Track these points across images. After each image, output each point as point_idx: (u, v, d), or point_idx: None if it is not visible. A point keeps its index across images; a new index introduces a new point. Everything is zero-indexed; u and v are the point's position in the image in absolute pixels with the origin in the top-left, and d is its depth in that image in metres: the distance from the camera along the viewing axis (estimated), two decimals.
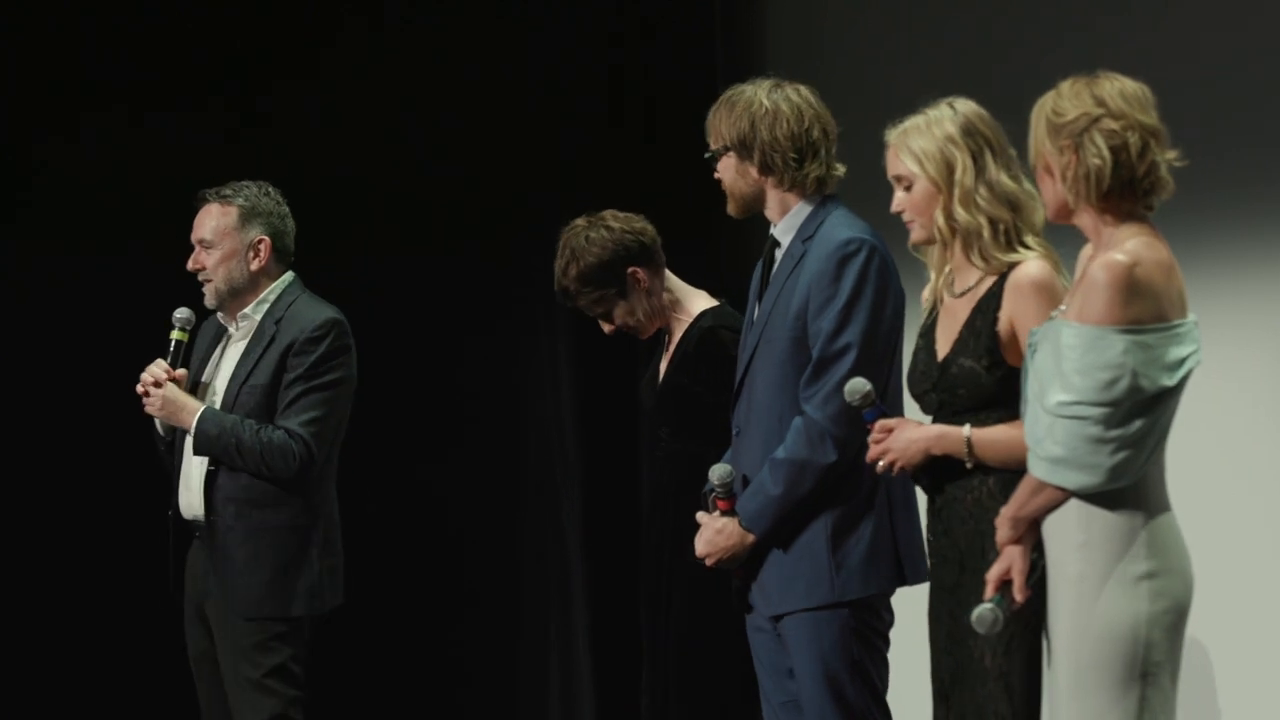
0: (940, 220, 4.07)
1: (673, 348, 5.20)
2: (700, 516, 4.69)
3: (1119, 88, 3.73)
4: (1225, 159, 5.41)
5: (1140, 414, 3.66)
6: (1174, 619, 3.71)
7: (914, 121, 4.11)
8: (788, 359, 4.59)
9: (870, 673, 4.56)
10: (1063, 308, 3.80)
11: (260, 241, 5.34)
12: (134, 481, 5.92)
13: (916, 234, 4.13)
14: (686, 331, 5.18)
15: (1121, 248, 3.67)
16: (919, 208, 4.10)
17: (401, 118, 7.14)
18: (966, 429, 3.99)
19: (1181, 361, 3.68)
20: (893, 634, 4.63)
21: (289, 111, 7.04)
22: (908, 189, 4.11)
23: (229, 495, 5.25)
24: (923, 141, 4.07)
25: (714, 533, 4.65)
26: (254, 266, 5.34)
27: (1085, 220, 3.76)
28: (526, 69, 7.12)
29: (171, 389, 5.23)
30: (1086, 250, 3.83)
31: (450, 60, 7.15)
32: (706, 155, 4.75)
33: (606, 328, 5.27)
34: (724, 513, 4.63)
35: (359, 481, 6.79)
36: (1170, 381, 3.67)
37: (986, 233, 4.01)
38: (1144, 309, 3.65)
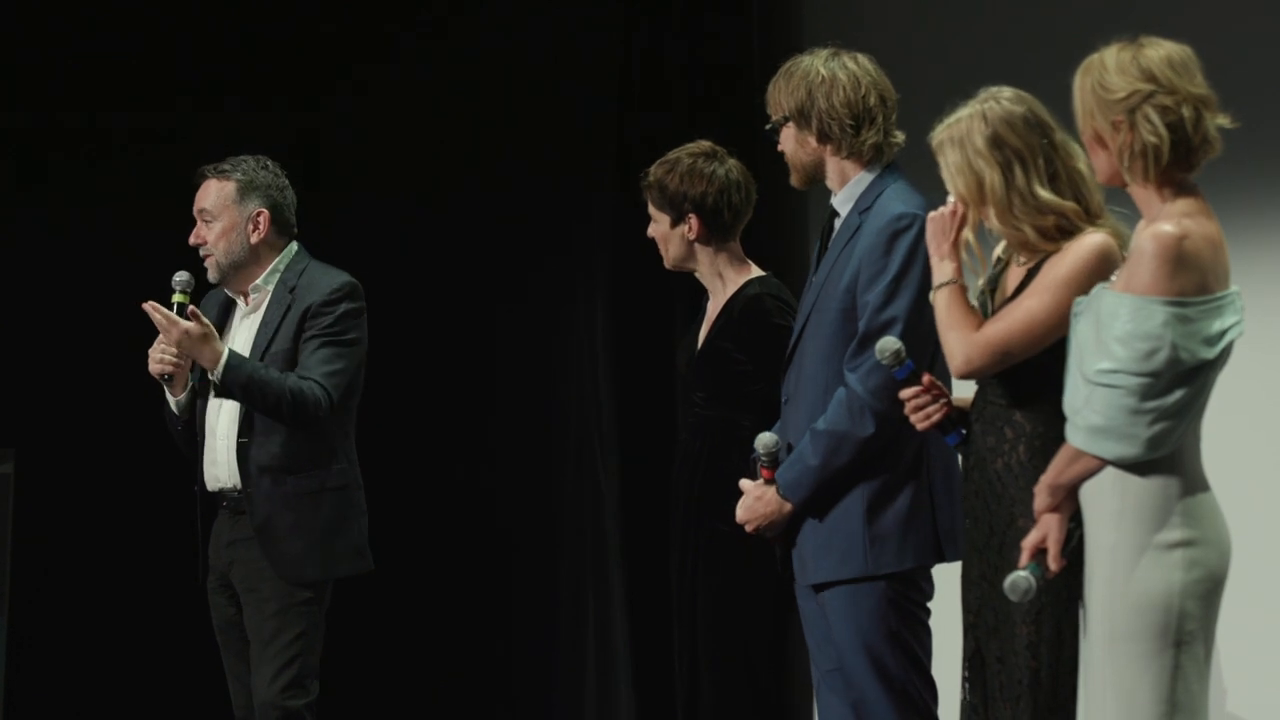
0: (974, 234, 4.06)
1: (715, 313, 5.21)
2: (743, 483, 4.72)
3: (1165, 56, 3.71)
4: (1265, 127, 5.39)
5: (1179, 386, 3.66)
6: (1208, 588, 3.71)
7: (947, 130, 4.06)
8: (836, 330, 4.62)
9: (910, 643, 4.58)
10: (1113, 279, 3.80)
11: (259, 214, 5.37)
12: (152, 459, 5.95)
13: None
14: (731, 298, 5.18)
15: (1170, 220, 3.67)
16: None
17: (435, 86, 7.18)
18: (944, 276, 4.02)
19: (1222, 334, 3.68)
20: (934, 606, 4.64)
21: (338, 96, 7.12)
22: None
23: (263, 465, 5.28)
24: (954, 156, 4.04)
25: (754, 499, 4.68)
26: (254, 239, 5.37)
27: (1138, 192, 3.76)
28: (559, 39, 7.14)
29: (194, 326, 5.18)
30: (1141, 225, 3.82)
31: (482, 33, 7.18)
32: (767, 126, 4.77)
33: (650, 229, 5.27)
34: (767, 481, 4.67)
35: (398, 450, 6.86)
36: (1209, 354, 3.67)
37: (1032, 236, 3.99)
38: (1188, 281, 3.65)
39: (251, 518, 5.28)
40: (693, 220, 5.19)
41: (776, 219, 6.26)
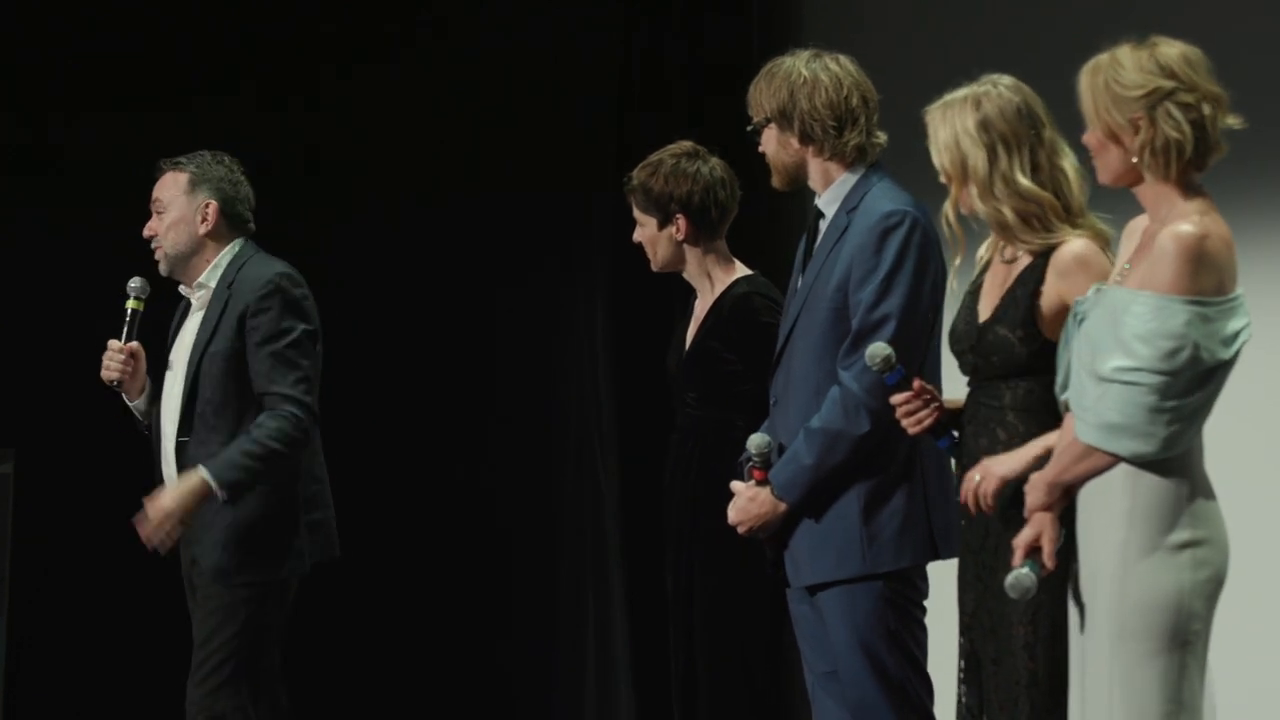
0: (953, 210, 4.08)
1: (703, 313, 5.21)
2: (734, 485, 4.71)
3: (1181, 54, 3.72)
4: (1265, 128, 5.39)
5: (1198, 386, 3.66)
6: (1214, 588, 3.72)
7: (942, 104, 4.09)
8: (827, 330, 4.60)
9: (908, 642, 4.57)
10: (1116, 277, 3.80)
11: (207, 205, 5.35)
12: (151, 459, 5.94)
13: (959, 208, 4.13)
14: (720, 297, 5.18)
15: (1189, 219, 3.67)
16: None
17: (435, 86, 7.19)
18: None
19: (1236, 335, 3.69)
20: (928, 605, 4.64)
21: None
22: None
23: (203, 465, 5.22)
24: (942, 132, 4.07)
25: (747, 500, 4.66)
26: (201, 230, 5.35)
27: (1151, 191, 3.76)
28: (559, 39, 7.15)
29: (162, 500, 5.12)
30: (1136, 222, 3.83)
31: (482, 33, 7.19)
32: (748, 128, 4.76)
33: (636, 233, 5.28)
34: (759, 482, 4.65)
35: (398, 450, 6.86)
36: (1226, 355, 3.68)
37: (1013, 220, 4.00)
38: (1208, 281, 3.65)
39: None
40: (680, 221, 5.19)
41: (775, 218, 6.26)
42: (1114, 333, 3.69)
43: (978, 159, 4.01)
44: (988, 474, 3.95)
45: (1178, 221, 3.68)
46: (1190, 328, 3.64)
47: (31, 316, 6.91)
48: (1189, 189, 3.73)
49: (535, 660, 7.24)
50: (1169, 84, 3.69)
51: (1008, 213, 3.99)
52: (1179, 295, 3.64)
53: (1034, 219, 3.99)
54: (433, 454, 7.10)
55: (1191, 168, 3.72)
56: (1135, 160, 3.72)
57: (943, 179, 4.09)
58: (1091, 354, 3.73)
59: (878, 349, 4.17)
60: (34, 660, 6.91)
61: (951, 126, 4.04)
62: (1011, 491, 3.91)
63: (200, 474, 5.13)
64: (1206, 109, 3.70)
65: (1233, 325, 3.67)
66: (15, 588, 6.86)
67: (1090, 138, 3.80)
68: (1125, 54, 3.74)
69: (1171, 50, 3.72)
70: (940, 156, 4.06)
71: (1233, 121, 3.73)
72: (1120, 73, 3.73)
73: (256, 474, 5.15)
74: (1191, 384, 3.66)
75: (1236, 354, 3.69)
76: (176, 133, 6.86)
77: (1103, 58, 3.76)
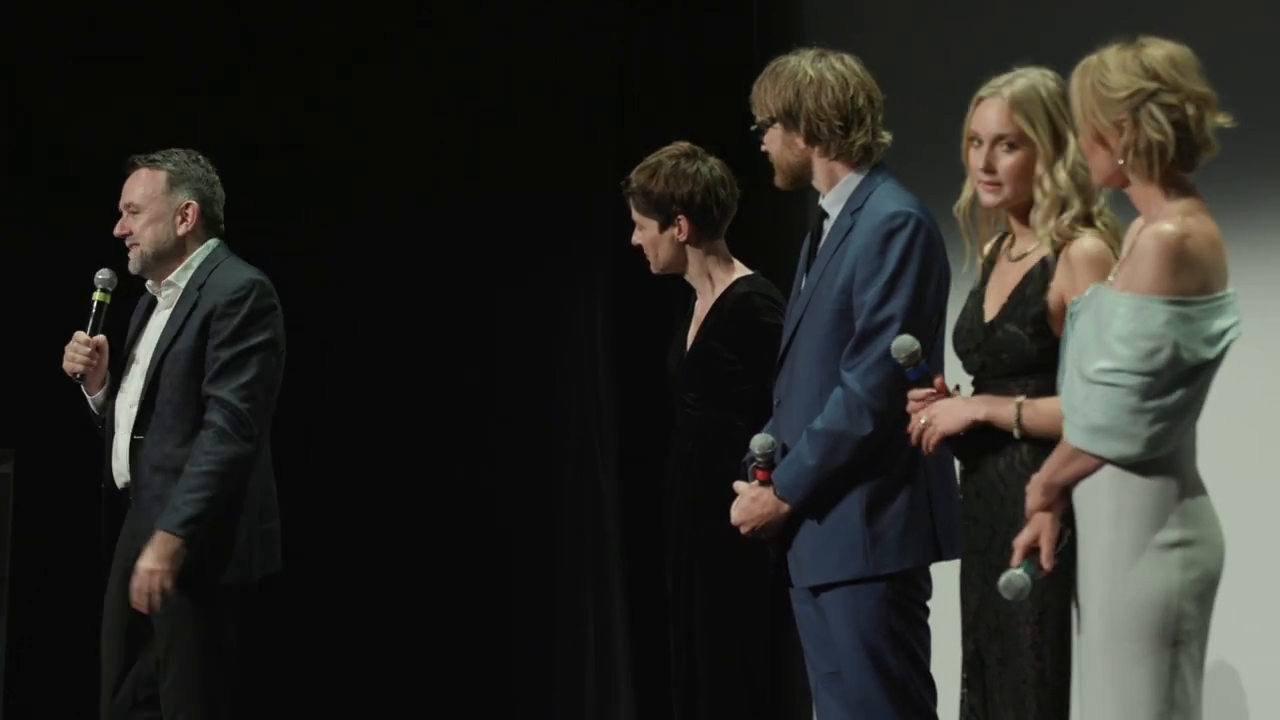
0: (1039, 185, 4.04)
1: (704, 313, 5.21)
2: (738, 485, 4.71)
3: (1167, 55, 3.72)
4: (1264, 128, 5.39)
5: (1180, 385, 3.66)
6: (1205, 588, 3.72)
7: (1028, 83, 4.08)
8: (831, 331, 4.61)
9: (910, 643, 4.57)
10: (1110, 278, 3.80)
11: (188, 206, 5.33)
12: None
13: (1000, 196, 4.10)
14: (720, 297, 5.19)
15: (1172, 219, 3.67)
16: (1018, 171, 4.08)
17: (435, 86, 7.20)
18: (1020, 398, 3.98)
19: (1222, 334, 3.68)
20: (931, 605, 4.64)
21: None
22: (1009, 148, 4.09)
23: (156, 464, 5.20)
24: (1036, 109, 4.05)
25: (750, 501, 4.67)
26: (180, 231, 5.33)
27: (1139, 191, 3.76)
28: (559, 39, 7.16)
29: (140, 563, 5.10)
30: (1136, 223, 3.83)
31: (482, 33, 7.20)
32: (752, 128, 4.76)
33: (635, 236, 5.28)
34: (762, 483, 4.65)
35: (399, 450, 6.85)
36: (1210, 354, 3.67)
37: (1055, 209, 4.00)
38: (1190, 281, 3.65)
39: (135, 516, 5.22)
40: (682, 221, 5.19)
41: (777, 218, 6.27)
42: (1099, 334, 3.69)
43: (1074, 139, 3.97)
44: (932, 427, 4.06)
45: (1160, 221, 3.68)
46: (1170, 327, 3.63)
47: (31, 316, 6.90)
48: (1176, 189, 3.73)
49: (535, 660, 7.24)
50: (1151, 85, 3.69)
51: (1053, 200, 3.99)
52: (1158, 295, 3.64)
53: (1069, 204, 3.99)
54: (433, 454, 7.11)
55: (1177, 168, 3.72)
56: (1120, 162, 3.73)
57: (989, 166, 4.06)
58: (1079, 355, 3.74)
59: (905, 342, 4.17)
60: (34, 660, 6.91)
61: (1046, 104, 4.02)
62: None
63: (158, 533, 5.09)
64: (1191, 109, 3.69)
65: (1218, 324, 3.67)
66: (15, 588, 6.86)
67: (1082, 139, 3.81)
68: (1111, 55, 3.74)
69: (1158, 51, 3.72)
70: (1036, 131, 4.01)
71: (1222, 121, 3.73)
72: (1105, 75, 3.73)
73: (209, 500, 5.09)
74: (1173, 384, 3.65)
75: (1222, 353, 3.68)
76: (176, 133, 6.86)
77: (1091, 59, 3.77)
